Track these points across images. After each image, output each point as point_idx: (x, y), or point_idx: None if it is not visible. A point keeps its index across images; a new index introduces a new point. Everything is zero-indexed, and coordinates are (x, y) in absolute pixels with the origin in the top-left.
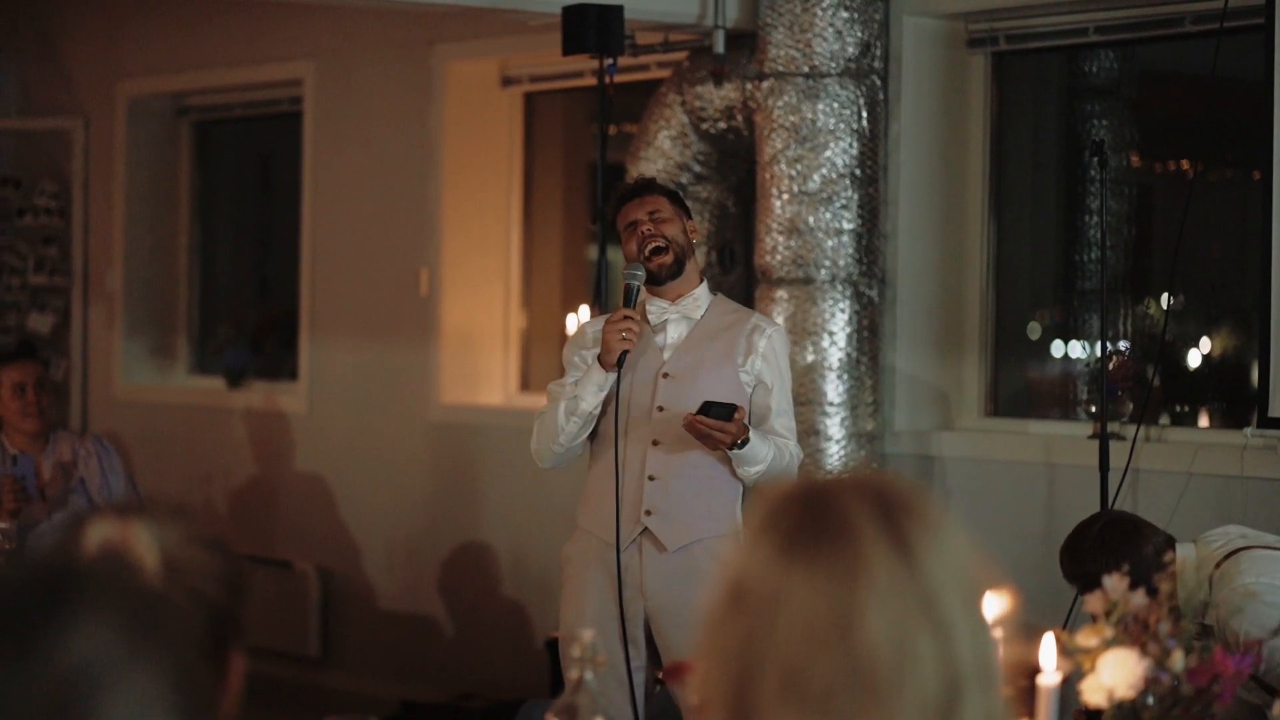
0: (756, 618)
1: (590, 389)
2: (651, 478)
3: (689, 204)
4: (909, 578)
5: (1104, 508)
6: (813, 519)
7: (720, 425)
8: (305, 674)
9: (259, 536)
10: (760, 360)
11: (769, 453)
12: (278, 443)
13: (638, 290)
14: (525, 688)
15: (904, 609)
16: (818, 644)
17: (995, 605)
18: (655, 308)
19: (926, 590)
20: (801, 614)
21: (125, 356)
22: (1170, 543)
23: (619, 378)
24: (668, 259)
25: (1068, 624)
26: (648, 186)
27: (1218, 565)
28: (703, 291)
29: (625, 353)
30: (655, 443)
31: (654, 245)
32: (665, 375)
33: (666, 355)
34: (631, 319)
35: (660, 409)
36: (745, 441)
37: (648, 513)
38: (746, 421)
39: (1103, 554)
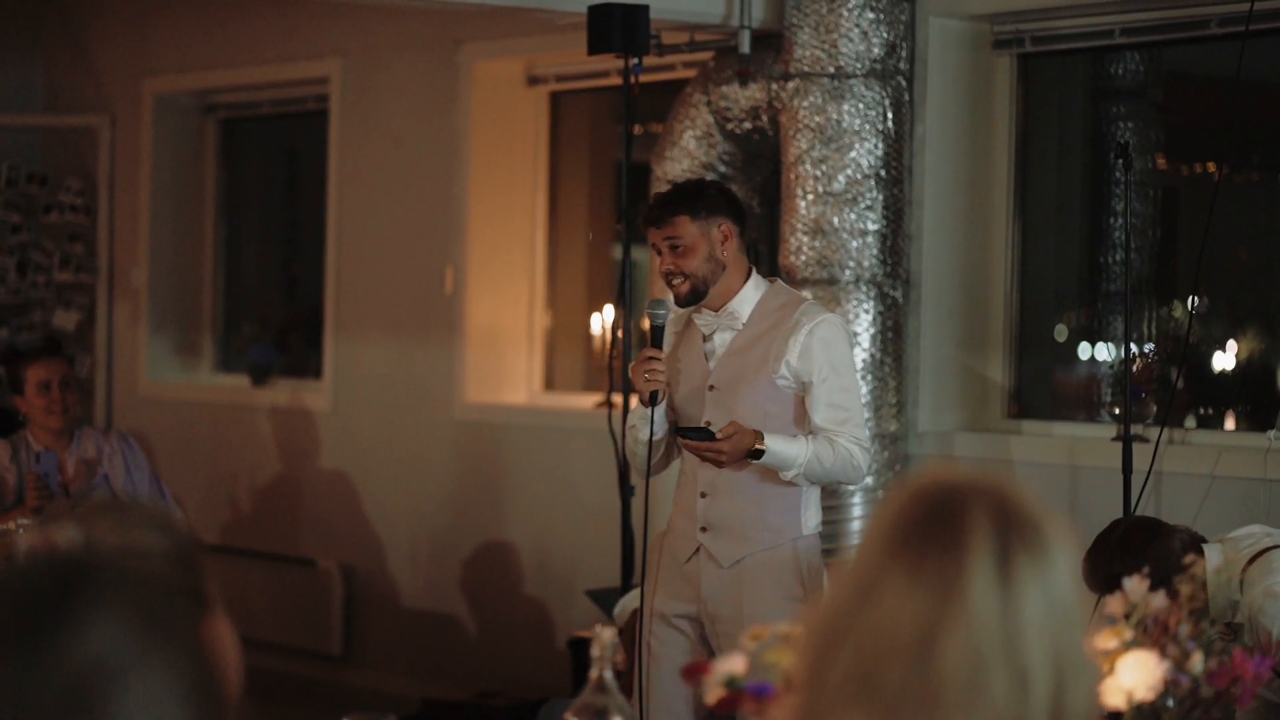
0: (850, 601)
1: (641, 421)
2: (704, 494)
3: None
4: (1001, 611)
5: (1127, 510)
6: (932, 522)
7: (706, 445)
8: (328, 672)
9: (283, 534)
10: (798, 358)
11: (799, 453)
12: (302, 441)
13: (662, 329)
14: (547, 686)
15: (987, 641)
16: (897, 648)
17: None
18: (702, 319)
19: (1014, 629)
20: (890, 613)
21: (150, 354)
22: (1196, 543)
23: (661, 403)
24: (684, 289)
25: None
26: (668, 207)
27: (1250, 562)
28: (747, 293)
29: (655, 392)
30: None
31: (672, 281)
32: (711, 388)
33: (711, 366)
34: (656, 359)
35: (707, 423)
36: (760, 451)
37: (703, 529)
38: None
39: (1127, 555)
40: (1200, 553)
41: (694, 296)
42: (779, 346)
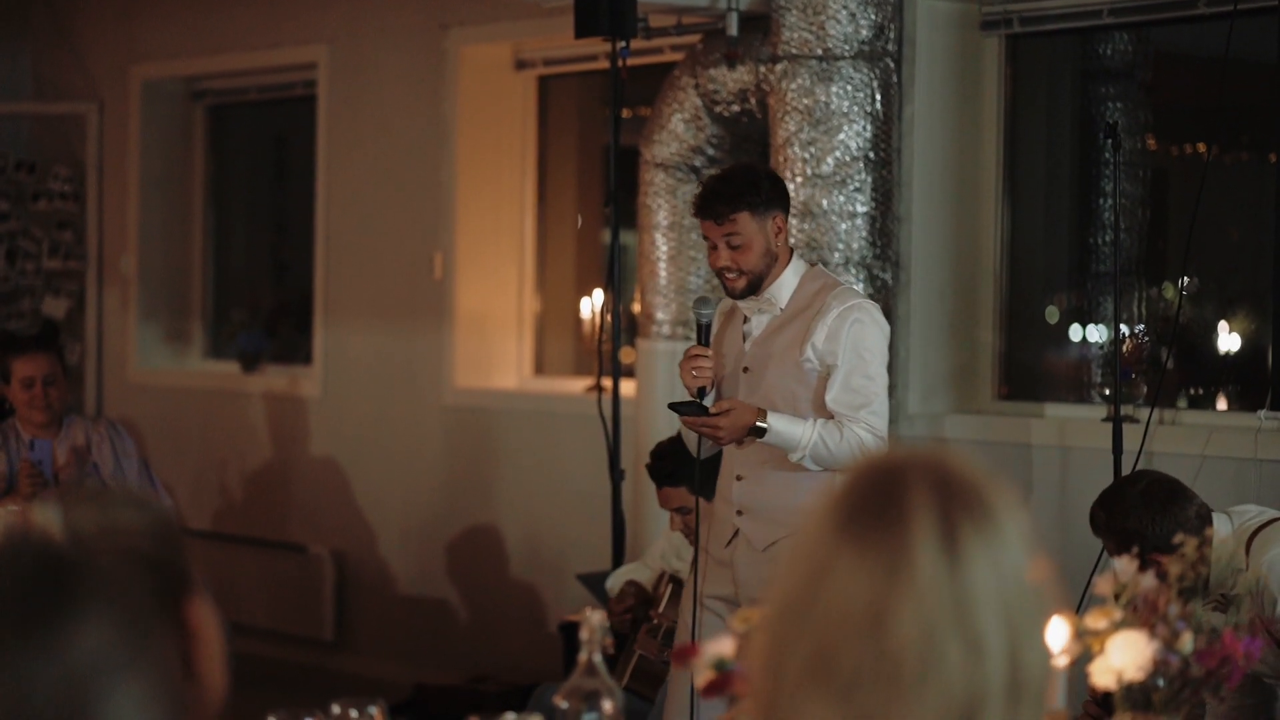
0: (802, 589)
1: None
2: (739, 477)
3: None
4: (949, 581)
5: None
6: (874, 500)
7: (701, 421)
8: (319, 658)
9: (273, 520)
10: (824, 341)
11: (804, 435)
12: (292, 427)
13: (708, 327)
14: (539, 671)
15: (938, 612)
16: (850, 628)
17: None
18: (744, 303)
19: (964, 598)
20: (841, 594)
21: (140, 341)
22: (1208, 516)
23: (709, 396)
24: (740, 284)
25: (1081, 607)
26: (728, 203)
27: (1256, 533)
28: (788, 277)
29: (704, 388)
30: (739, 441)
31: (727, 276)
32: (745, 370)
33: (747, 348)
34: (704, 356)
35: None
36: (763, 429)
37: (739, 512)
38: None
39: (1146, 511)
40: (1210, 524)
41: (749, 290)
42: (808, 329)
